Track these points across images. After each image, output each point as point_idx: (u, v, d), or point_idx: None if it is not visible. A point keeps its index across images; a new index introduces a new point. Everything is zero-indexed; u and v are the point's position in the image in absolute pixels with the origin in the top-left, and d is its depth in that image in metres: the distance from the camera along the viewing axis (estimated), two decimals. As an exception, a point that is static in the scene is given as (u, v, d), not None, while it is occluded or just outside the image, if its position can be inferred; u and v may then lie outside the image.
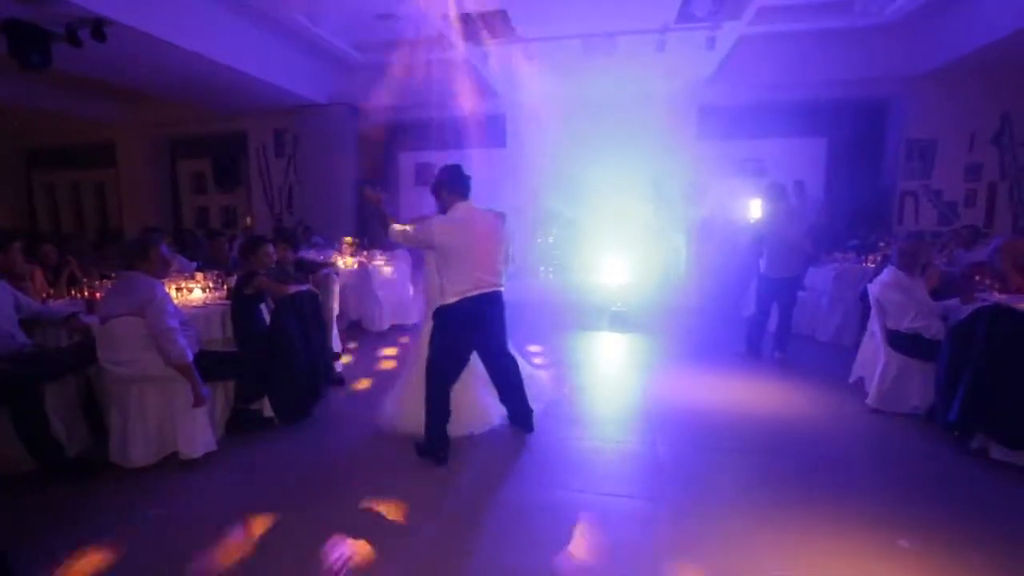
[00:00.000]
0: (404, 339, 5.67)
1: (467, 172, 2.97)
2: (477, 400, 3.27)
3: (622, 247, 7.02)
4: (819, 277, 5.47)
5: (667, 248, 7.69)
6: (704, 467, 2.90)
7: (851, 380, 3.87)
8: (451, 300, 2.86)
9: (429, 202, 3.22)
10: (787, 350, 4.78)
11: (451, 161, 3.08)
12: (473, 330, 2.94)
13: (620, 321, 6.04)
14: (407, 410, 3.24)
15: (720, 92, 7.89)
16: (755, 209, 4.63)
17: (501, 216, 3.07)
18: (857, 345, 4.01)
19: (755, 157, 8.06)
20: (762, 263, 4.75)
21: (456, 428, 3.08)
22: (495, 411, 3.36)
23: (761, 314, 4.80)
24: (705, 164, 8.20)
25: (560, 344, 5.43)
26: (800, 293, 5.00)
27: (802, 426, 3.39)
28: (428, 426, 2.94)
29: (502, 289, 2.99)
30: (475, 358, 3.17)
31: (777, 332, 4.80)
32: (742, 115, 7.82)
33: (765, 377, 4.33)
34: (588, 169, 8.07)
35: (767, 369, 4.53)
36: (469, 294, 2.85)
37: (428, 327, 3.19)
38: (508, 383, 3.21)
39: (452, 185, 2.95)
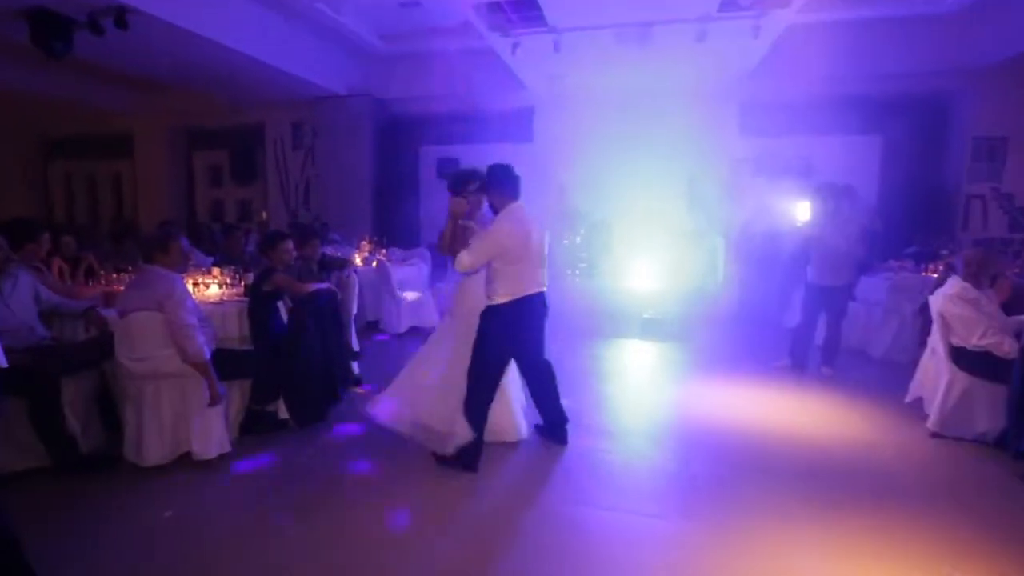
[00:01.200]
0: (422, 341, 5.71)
1: (515, 172, 2.98)
2: (512, 408, 3.27)
3: (655, 250, 6.95)
4: (872, 286, 5.33)
5: (703, 252, 7.59)
6: (743, 489, 2.84)
7: (908, 400, 3.75)
8: (502, 300, 2.88)
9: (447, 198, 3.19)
10: (835, 365, 4.67)
11: (474, 156, 3.11)
12: (522, 330, 2.97)
13: (652, 329, 5.98)
14: (421, 410, 3.14)
15: (764, 86, 7.76)
16: (801, 211, 4.53)
17: (543, 218, 3.11)
18: (915, 362, 3.88)
19: (802, 156, 7.89)
20: (809, 270, 4.65)
21: (489, 435, 3.08)
22: (525, 421, 3.37)
23: (807, 325, 4.70)
24: (746, 163, 8.08)
25: (588, 352, 5.40)
26: (851, 304, 4.87)
27: (852, 449, 3.30)
28: (473, 428, 2.94)
29: (545, 290, 3.04)
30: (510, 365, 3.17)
31: (825, 345, 4.69)
32: (788, 111, 7.68)
33: (811, 394, 4.24)
34: (619, 167, 8.02)
35: (813, 386, 4.43)
36: (520, 295, 2.89)
37: (455, 326, 3.17)
38: (544, 389, 3.23)
39: (505, 186, 2.97)
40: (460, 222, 3.01)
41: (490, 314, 2.93)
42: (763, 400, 4.12)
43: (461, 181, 3.18)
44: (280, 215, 10.30)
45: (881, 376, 4.67)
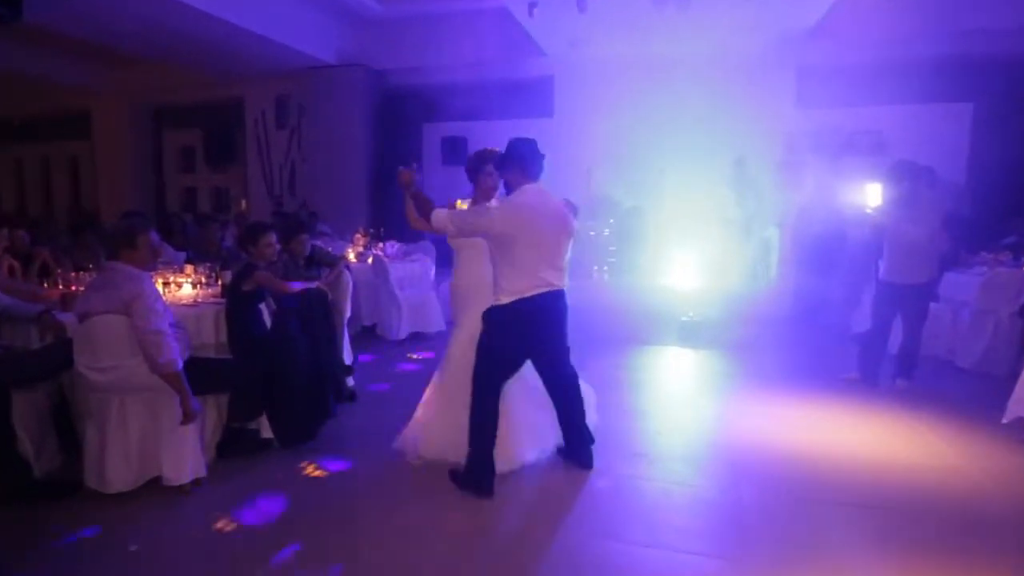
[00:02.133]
0: (425, 352, 5.72)
1: (537, 148, 2.98)
2: (531, 421, 3.28)
3: (696, 243, 6.89)
4: (960, 284, 5.21)
5: (753, 244, 7.49)
6: (800, 523, 2.79)
7: (1005, 420, 3.64)
8: (505, 300, 2.89)
9: (458, 184, 3.25)
10: (914, 378, 4.57)
11: (485, 134, 3.13)
12: (529, 336, 2.98)
13: (693, 334, 5.92)
14: (432, 434, 3.27)
15: (825, 48, 7.65)
16: (871, 195, 4.45)
17: (573, 208, 3.12)
18: (1014, 375, 3.77)
19: (870, 129, 7.76)
20: (881, 265, 4.56)
21: (503, 459, 3.07)
22: (551, 432, 3.34)
23: (879, 330, 4.61)
24: (804, 139, 7.97)
25: (617, 361, 5.37)
26: (933, 305, 4.76)
27: (934, 479, 3.22)
28: (471, 450, 2.98)
29: (565, 289, 3.03)
30: (530, 371, 3.18)
31: (900, 354, 4.60)
32: (853, 76, 7.55)
33: (884, 412, 4.15)
34: (654, 146, 7.97)
35: (887, 402, 4.34)
36: (527, 294, 2.88)
37: (461, 334, 3.27)
38: (567, 402, 3.22)
39: (524, 162, 2.94)
40: (413, 191, 3.03)
41: (492, 316, 2.94)
42: (825, 419, 4.04)
43: (478, 162, 3.24)
44: (262, 204, 10.43)
45: (971, 391, 4.55)
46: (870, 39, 7.37)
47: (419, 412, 3.45)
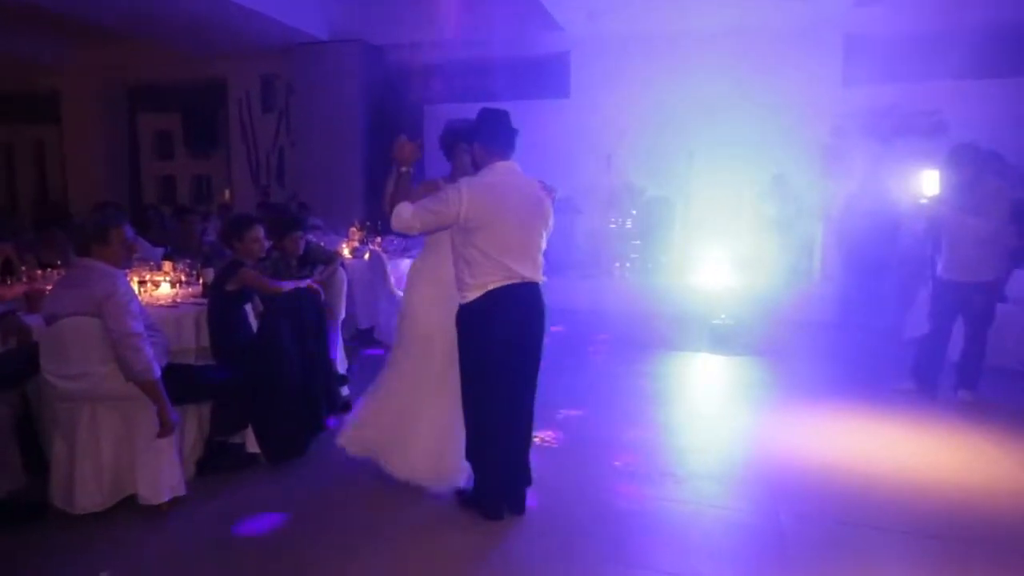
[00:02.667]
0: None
1: (509, 121, 2.89)
2: (432, 440, 3.13)
3: (729, 236, 6.85)
4: (1029, 283, 5.14)
5: (794, 237, 7.44)
6: (847, 551, 2.75)
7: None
8: (471, 296, 2.80)
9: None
10: (978, 389, 4.52)
11: None
12: (513, 329, 2.82)
13: (725, 339, 5.89)
14: (422, 458, 3.09)
15: (875, 16, 7.57)
16: (928, 183, 4.39)
17: (550, 190, 3.00)
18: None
19: (927, 109, 7.65)
20: (939, 261, 4.51)
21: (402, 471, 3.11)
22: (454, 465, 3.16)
23: (938, 335, 4.57)
24: (852, 121, 7.88)
25: (641, 369, 5.35)
26: (999, 306, 4.69)
27: (1000, 504, 3.17)
28: (475, 471, 2.99)
29: (540, 282, 2.93)
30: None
31: (962, 362, 4.56)
32: (908, 48, 7.46)
33: (943, 428, 4.10)
34: (683, 129, 7.93)
35: (947, 416, 4.30)
36: (493, 287, 2.78)
37: (409, 335, 3.17)
38: (522, 435, 3.02)
39: (492, 136, 2.85)
40: (403, 170, 2.91)
41: (464, 317, 2.85)
42: (875, 435, 4.00)
43: (452, 137, 3.17)
44: (247, 194, 10.49)
45: (1043, 404, 4.50)
46: (926, 5, 7.27)
47: (393, 433, 3.20)
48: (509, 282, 2.79)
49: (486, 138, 2.87)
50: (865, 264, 6.55)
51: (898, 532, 2.90)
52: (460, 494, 3.07)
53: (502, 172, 2.83)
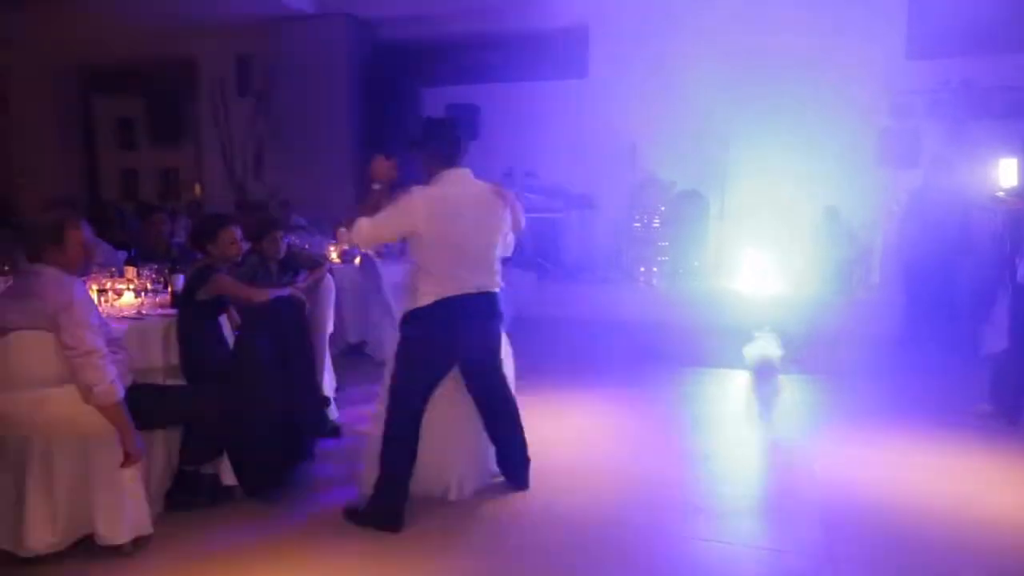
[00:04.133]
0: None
1: (455, 129, 3.32)
2: (447, 450, 3.52)
3: (773, 237, 6.85)
4: None
5: (848, 241, 7.43)
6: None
7: None
8: (424, 302, 3.17)
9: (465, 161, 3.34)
10: (1066, 413, 4.47)
11: (502, 100, 3.26)
12: (453, 341, 3.26)
13: (768, 356, 5.86)
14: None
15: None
16: (1006, 172, 4.38)
17: (504, 194, 3.38)
18: None
19: (1009, 86, 7.61)
20: (1020, 265, 4.47)
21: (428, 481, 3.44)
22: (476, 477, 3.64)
23: (1020, 351, 4.53)
24: (917, 99, 7.86)
25: (671, 389, 5.34)
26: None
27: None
28: (381, 473, 3.23)
29: (496, 291, 3.35)
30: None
31: (1049, 381, 4.50)
32: (984, 13, 7.40)
33: (1025, 458, 4.07)
34: (718, 114, 7.93)
35: (1029, 444, 4.26)
36: (447, 293, 3.16)
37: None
38: (498, 416, 3.55)
39: (436, 147, 3.27)
40: (376, 187, 3.30)
41: (410, 320, 3.25)
42: (945, 466, 3.97)
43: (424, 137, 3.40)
44: (220, 190, 10.54)
45: None
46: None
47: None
48: (462, 292, 3.18)
49: (431, 149, 3.29)
50: (931, 268, 6.50)
51: (971, 578, 2.88)
52: (349, 511, 3.30)
53: (453, 181, 3.22)
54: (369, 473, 3.36)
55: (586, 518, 3.36)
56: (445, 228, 3.13)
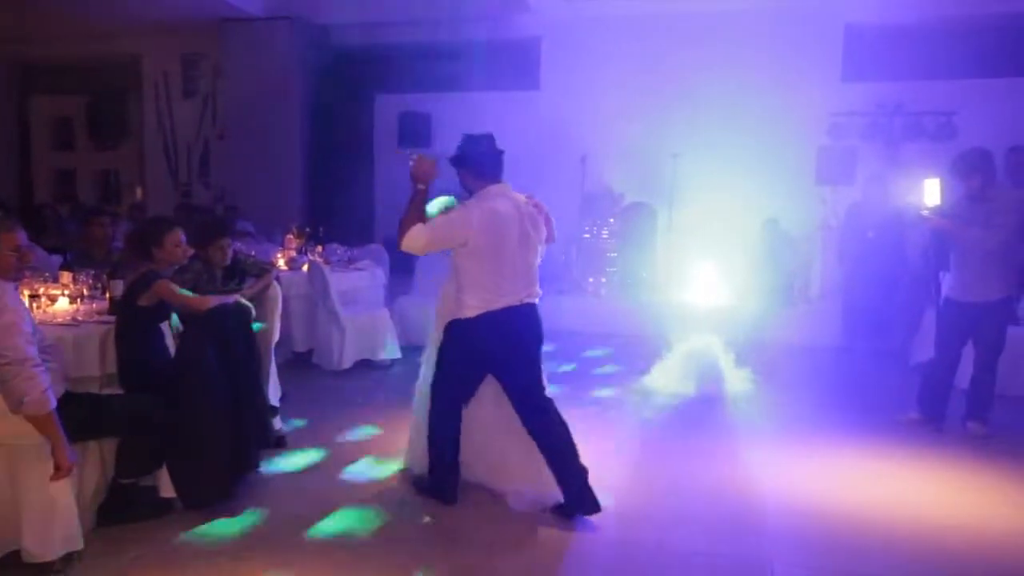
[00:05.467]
0: (374, 385, 5.70)
1: (494, 144, 3.40)
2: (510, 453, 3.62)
3: (720, 249, 7.00)
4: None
5: (792, 253, 7.65)
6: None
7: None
8: (471, 313, 3.30)
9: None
10: (989, 421, 4.68)
11: (454, 109, 3.31)
12: (496, 354, 3.39)
13: (715, 365, 5.98)
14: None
15: (881, 3, 7.86)
16: (930, 192, 4.56)
17: (537, 204, 3.50)
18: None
19: (939, 109, 7.97)
20: (946, 279, 4.67)
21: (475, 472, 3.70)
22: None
23: (944, 360, 4.73)
24: (853, 119, 8.17)
25: (615, 399, 5.42)
26: (1011, 329, 4.88)
27: (1018, 547, 3.31)
28: (432, 458, 3.57)
29: (537, 302, 3.46)
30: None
31: (971, 390, 4.72)
32: (917, 41, 7.76)
33: (952, 463, 4.25)
34: (667, 126, 8.11)
35: (955, 449, 4.45)
36: (494, 306, 3.28)
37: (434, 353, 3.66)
38: (550, 436, 3.41)
39: (481, 165, 3.37)
40: (420, 187, 3.32)
41: (454, 330, 3.39)
42: (877, 471, 4.11)
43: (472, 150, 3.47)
44: (164, 193, 10.34)
45: (1060, 438, 4.70)
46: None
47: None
48: (510, 303, 3.30)
49: (474, 165, 3.38)
50: (869, 282, 6.73)
51: (901, 579, 2.99)
52: (417, 482, 3.71)
53: (498, 194, 3.34)
54: (413, 448, 3.78)
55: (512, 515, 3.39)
56: (497, 241, 3.24)
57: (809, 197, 7.94)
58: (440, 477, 3.55)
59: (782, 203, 7.73)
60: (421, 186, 3.31)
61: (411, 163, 3.33)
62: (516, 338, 3.36)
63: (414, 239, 3.23)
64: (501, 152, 3.40)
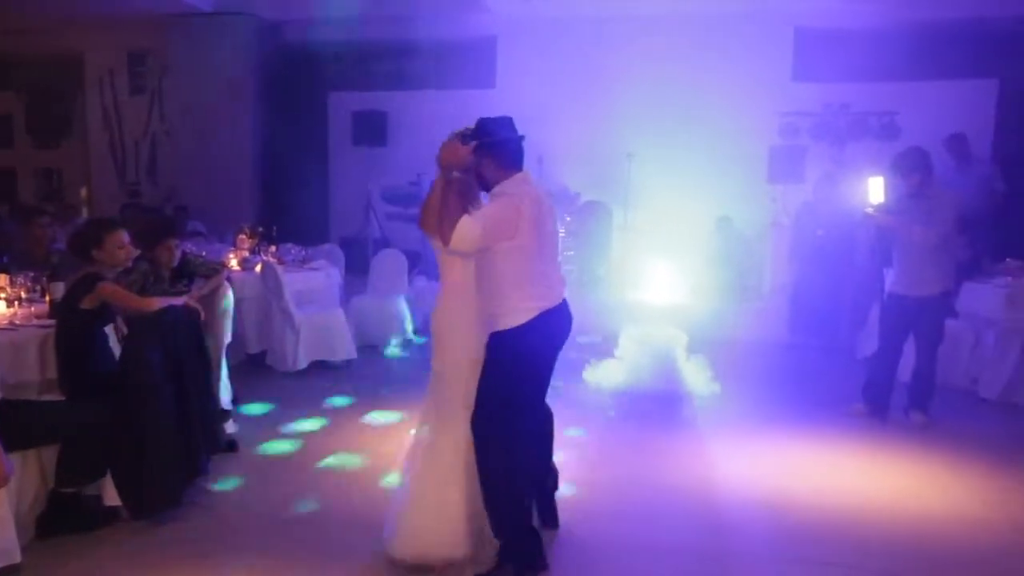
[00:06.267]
0: (330, 386, 5.66)
1: (515, 128, 2.99)
2: (462, 508, 3.02)
3: (673, 248, 7.09)
4: (982, 297, 5.56)
5: (741, 249, 7.80)
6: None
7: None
8: (526, 317, 2.83)
9: (374, 171, 3.23)
10: (930, 411, 4.85)
11: (409, 107, 3.12)
12: (547, 359, 2.97)
13: (671, 361, 6.06)
14: (409, 525, 2.99)
15: (829, 8, 8.07)
16: (875, 190, 4.70)
17: (550, 194, 3.22)
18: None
19: (882, 110, 8.24)
20: (888, 275, 4.83)
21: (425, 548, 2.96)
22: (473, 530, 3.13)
23: (887, 353, 4.88)
24: (803, 119, 8.38)
25: (566, 392, 5.44)
26: (950, 322, 5.07)
27: (955, 532, 3.43)
28: (504, 523, 2.91)
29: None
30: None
31: (913, 382, 4.88)
32: (863, 45, 8.00)
33: (896, 452, 4.39)
34: (622, 126, 8.19)
35: (899, 439, 4.59)
36: (550, 303, 2.89)
37: (454, 377, 3.03)
38: (547, 441, 3.31)
39: (508, 150, 2.93)
40: (456, 175, 2.87)
41: (505, 343, 2.85)
42: (826, 462, 4.24)
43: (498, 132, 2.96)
44: (110, 193, 10.10)
45: (996, 426, 4.87)
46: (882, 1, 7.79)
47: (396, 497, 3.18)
48: (552, 304, 2.90)
49: (501, 151, 2.92)
50: (818, 279, 6.89)
51: (850, 568, 3.08)
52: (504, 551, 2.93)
53: (525, 182, 2.93)
54: (416, 533, 2.95)
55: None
56: (540, 233, 2.86)
57: (761, 195, 8.11)
58: (521, 541, 2.92)
59: (735, 202, 7.92)
60: (456, 174, 2.85)
61: (444, 149, 2.83)
62: (562, 338, 3.00)
63: (466, 233, 2.71)
64: (522, 137, 2.99)
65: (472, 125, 2.93)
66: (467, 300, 3.01)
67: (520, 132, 2.96)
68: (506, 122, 2.97)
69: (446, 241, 2.75)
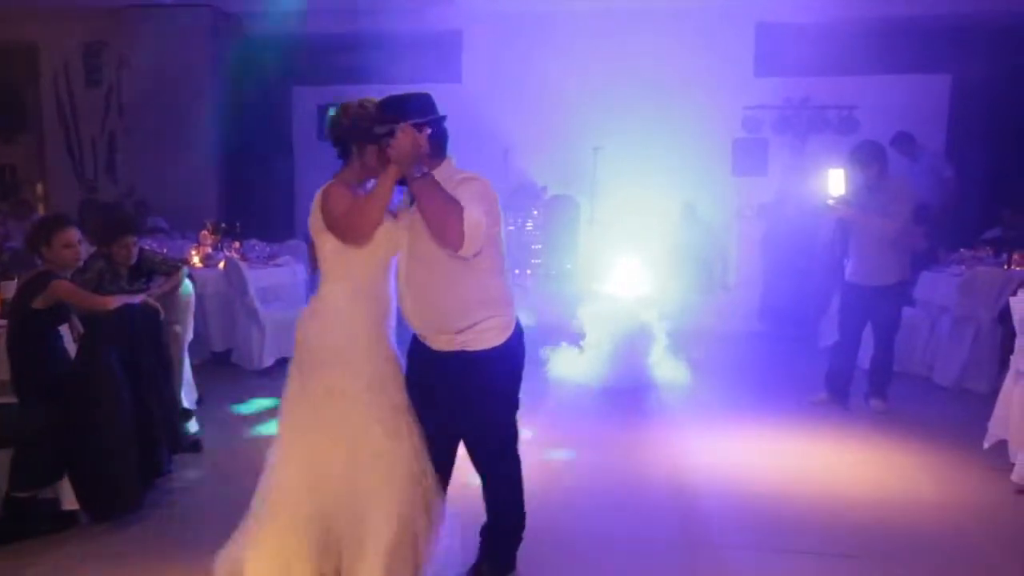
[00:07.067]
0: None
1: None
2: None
3: (640, 241, 7.14)
4: (937, 286, 5.72)
5: (706, 238, 7.89)
6: (765, 574, 2.99)
7: (987, 445, 4.06)
8: (512, 321, 2.62)
9: (338, 163, 3.00)
10: (888, 397, 4.98)
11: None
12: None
13: (638, 353, 6.11)
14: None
15: (789, 4, 8.20)
16: (834, 182, 4.77)
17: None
18: (995, 392, 4.20)
19: (842, 104, 8.38)
20: (847, 264, 4.93)
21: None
22: None
23: (847, 342, 4.99)
24: (766, 113, 8.49)
25: (542, 388, 5.47)
26: (907, 311, 5.19)
27: (915, 514, 3.53)
28: (512, 529, 2.86)
29: None
30: None
31: (871, 370, 5.00)
32: (822, 40, 8.13)
33: (857, 439, 4.49)
34: (588, 120, 8.22)
35: (860, 426, 4.70)
36: (517, 304, 2.70)
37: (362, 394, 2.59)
38: None
39: (440, 127, 2.55)
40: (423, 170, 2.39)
41: (507, 356, 2.59)
42: (790, 450, 4.33)
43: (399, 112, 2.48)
44: (67, 190, 9.86)
45: (951, 411, 5.02)
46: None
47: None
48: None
49: (442, 133, 2.56)
50: (783, 269, 7.00)
51: (813, 554, 3.15)
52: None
53: (457, 169, 2.57)
54: None
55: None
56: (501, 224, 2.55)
57: (726, 188, 8.23)
58: (517, 543, 2.88)
59: (701, 194, 8.03)
60: (418, 174, 2.35)
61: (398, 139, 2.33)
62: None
63: (476, 228, 2.30)
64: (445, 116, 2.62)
65: (379, 100, 2.54)
66: (372, 307, 2.59)
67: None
68: (428, 98, 2.59)
69: (458, 245, 2.31)
